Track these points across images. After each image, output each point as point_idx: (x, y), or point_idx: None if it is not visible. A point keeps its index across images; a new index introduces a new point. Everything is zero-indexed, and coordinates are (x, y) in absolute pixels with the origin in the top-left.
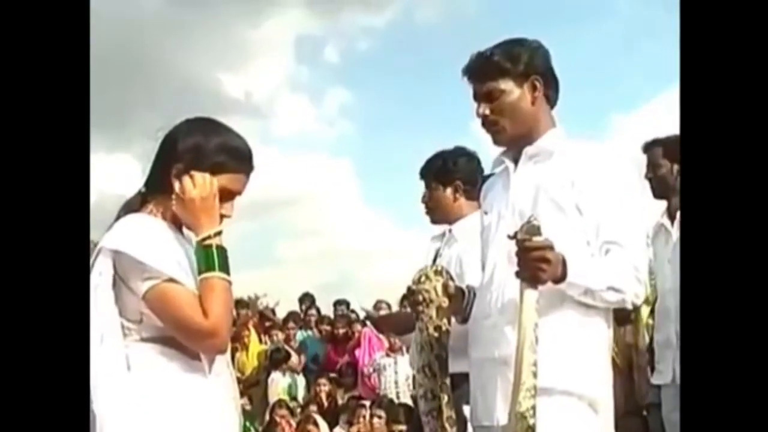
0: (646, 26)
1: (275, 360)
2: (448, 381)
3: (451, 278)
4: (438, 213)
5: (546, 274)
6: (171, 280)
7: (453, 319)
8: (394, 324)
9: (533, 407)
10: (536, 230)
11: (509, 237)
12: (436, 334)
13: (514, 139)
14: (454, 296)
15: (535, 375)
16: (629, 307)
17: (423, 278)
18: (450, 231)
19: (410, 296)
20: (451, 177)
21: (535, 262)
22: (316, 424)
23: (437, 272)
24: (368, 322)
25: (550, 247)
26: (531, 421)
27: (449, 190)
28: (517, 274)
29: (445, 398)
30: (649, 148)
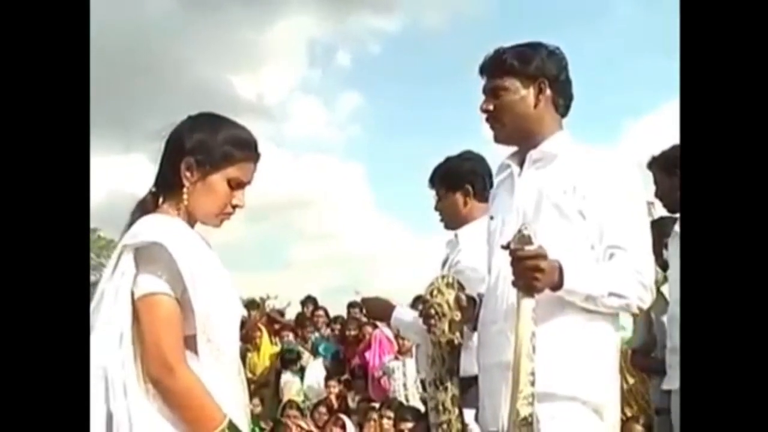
0: (653, 34)
1: (287, 361)
2: (458, 394)
3: (462, 289)
4: (450, 218)
5: (540, 282)
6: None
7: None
8: (375, 307)
9: (531, 415)
10: (528, 239)
11: (503, 247)
12: (448, 348)
13: (513, 138)
14: (466, 308)
15: (532, 383)
16: (635, 311)
17: (435, 292)
18: (456, 236)
19: (422, 307)
20: (460, 181)
21: (529, 272)
22: (343, 426)
23: (449, 285)
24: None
25: (543, 256)
26: (528, 429)
27: (459, 195)
28: (514, 284)
29: (456, 412)
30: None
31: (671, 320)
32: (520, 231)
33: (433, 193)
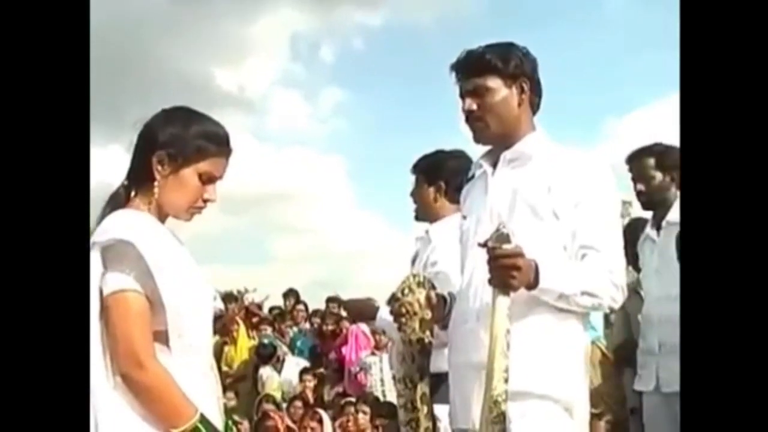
0: (646, 32)
1: (263, 355)
2: (428, 392)
3: (434, 287)
4: (420, 209)
5: (517, 281)
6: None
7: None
8: (357, 308)
9: (503, 413)
10: (506, 238)
11: (480, 245)
12: (418, 347)
13: (495, 138)
14: (437, 307)
15: (506, 381)
16: (606, 311)
17: (406, 290)
18: (427, 232)
19: (393, 306)
20: (436, 176)
21: (506, 270)
22: (320, 420)
23: (420, 284)
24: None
25: (520, 255)
26: (501, 427)
27: (432, 189)
28: (490, 282)
29: (425, 409)
30: (635, 158)
31: (644, 322)
32: (498, 230)
33: (413, 179)
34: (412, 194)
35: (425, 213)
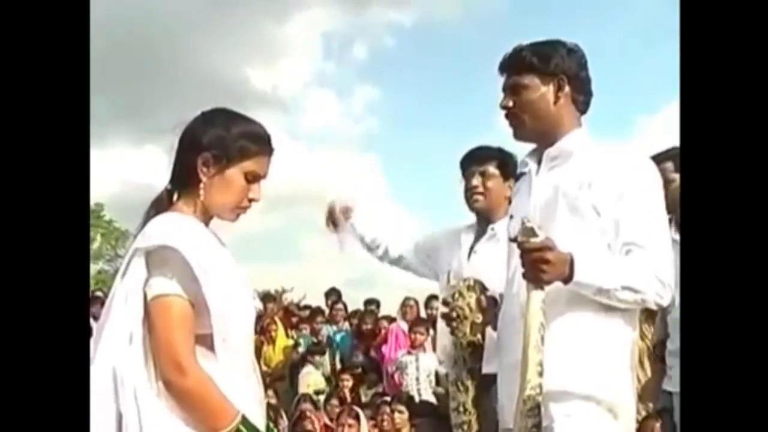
0: (666, 26)
1: (312, 351)
2: (480, 395)
3: (485, 289)
4: (489, 202)
5: (547, 274)
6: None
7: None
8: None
9: (538, 406)
10: (531, 232)
11: (510, 240)
12: (470, 350)
13: (533, 134)
14: (487, 310)
15: (540, 374)
16: (652, 307)
17: (456, 294)
18: (492, 229)
19: (444, 311)
20: (511, 171)
21: (535, 263)
22: (356, 417)
23: (470, 287)
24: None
25: (549, 248)
26: (535, 420)
27: (508, 184)
28: (524, 276)
29: (476, 412)
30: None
31: (672, 323)
32: (523, 223)
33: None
34: (477, 186)
35: (494, 206)
